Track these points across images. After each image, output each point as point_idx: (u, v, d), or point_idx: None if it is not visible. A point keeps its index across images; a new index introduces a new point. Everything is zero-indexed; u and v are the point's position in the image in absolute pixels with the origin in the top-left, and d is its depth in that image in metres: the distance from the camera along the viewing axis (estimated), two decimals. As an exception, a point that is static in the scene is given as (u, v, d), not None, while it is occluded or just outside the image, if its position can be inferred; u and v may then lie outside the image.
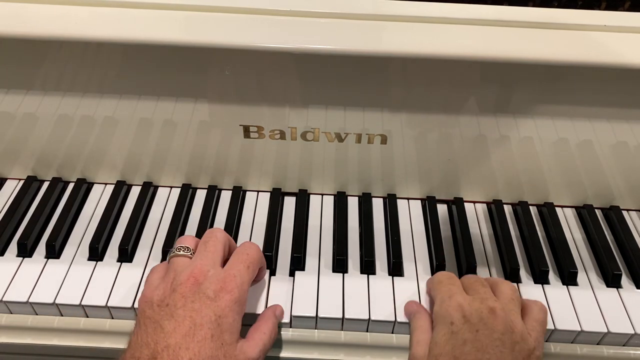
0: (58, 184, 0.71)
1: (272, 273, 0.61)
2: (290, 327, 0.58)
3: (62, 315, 0.58)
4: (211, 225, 0.67)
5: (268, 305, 0.57)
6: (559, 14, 0.61)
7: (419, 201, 0.71)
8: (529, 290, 0.61)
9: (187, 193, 0.70)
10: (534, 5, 0.66)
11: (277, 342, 0.58)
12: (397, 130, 0.64)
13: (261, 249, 0.62)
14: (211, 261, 0.52)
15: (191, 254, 0.54)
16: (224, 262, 0.54)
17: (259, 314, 0.57)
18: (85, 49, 0.58)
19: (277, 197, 0.70)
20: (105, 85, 0.62)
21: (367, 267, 0.62)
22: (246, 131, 0.65)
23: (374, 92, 0.61)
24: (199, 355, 0.46)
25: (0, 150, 0.69)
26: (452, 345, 0.48)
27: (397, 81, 0.59)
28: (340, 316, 0.57)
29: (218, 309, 0.49)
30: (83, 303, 0.57)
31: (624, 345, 0.58)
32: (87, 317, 0.58)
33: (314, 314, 0.57)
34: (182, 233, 0.66)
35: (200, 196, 0.71)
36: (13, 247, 0.63)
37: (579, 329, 0.57)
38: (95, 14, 0.58)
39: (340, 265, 0.62)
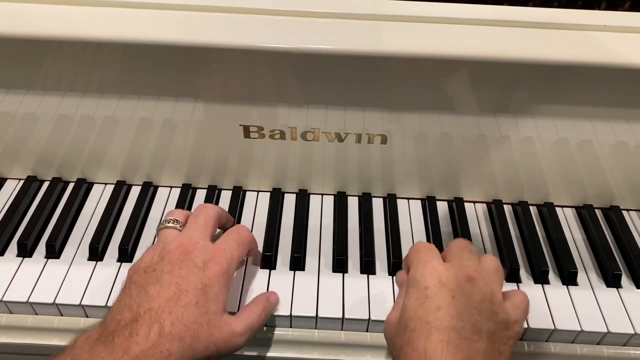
0: (58, 184, 0.71)
1: (272, 272, 0.61)
2: (290, 327, 0.58)
3: (62, 315, 0.58)
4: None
5: (268, 305, 0.58)
6: (559, 14, 0.61)
7: (419, 201, 0.71)
8: (529, 290, 0.60)
9: (187, 193, 0.70)
10: (534, 5, 0.66)
11: (277, 342, 0.58)
12: (397, 130, 0.64)
13: (261, 249, 0.62)
14: (201, 234, 0.53)
15: (180, 226, 0.54)
16: (215, 238, 0.54)
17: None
18: (85, 49, 0.58)
19: (277, 197, 0.70)
20: (105, 85, 0.62)
21: (367, 267, 0.62)
22: (246, 131, 0.65)
23: (374, 92, 0.61)
24: (181, 320, 0.46)
25: (0, 150, 0.69)
26: (424, 310, 0.45)
27: (397, 81, 0.59)
28: (340, 316, 0.57)
29: (205, 277, 0.49)
30: (83, 303, 0.57)
31: (624, 345, 0.58)
32: (87, 317, 0.58)
33: (314, 314, 0.57)
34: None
35: (201, 196, 0.71)
36: (13, 247, 0.63)
37: (579, 329, 0.57)
38: (95, 14, 0.58)
39: (340, 265, 0.62)
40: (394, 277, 0.57)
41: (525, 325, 0.57)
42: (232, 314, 0.52)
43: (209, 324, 0.47)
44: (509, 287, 0.61)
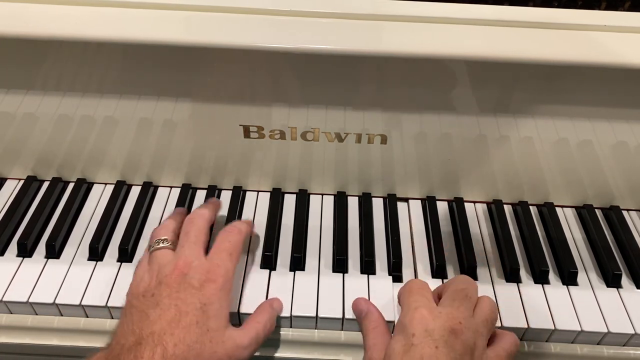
0: (58, 184, 0.71)
1: (272, 272, 0.61)
2: (291, 327, 0.58)
3: (62, 315, 0.58)
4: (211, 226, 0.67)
5: (268, 305, 0.58)
6: (559, 14, 0.61)
7: (419, 201, 0.71)
8: (529, 290, 0.61)
9: (187, 193, 0.70)
10: (534, 5, 0.66)
11: (277, 342, 0.58)
12: (397, 130, 0.64)
13: (261, 249, 0.62)
14: (195, 252, 0.53)
15: (170, 244, 0.55)
16: (207, 246, 0.55)
17: (259, 314, 0.57)
18: (85, 49, 0.58)
19: (277, 197, 0.70)
20: (105, 85, 0.62)
21: (367, 267, 0.62)
22: (246, 131, 0.65)
23: (374, 92, 0.61)
24: (183, 341, 0.46)
25: (0, 150, 0.69)
26: (409, 357, 0.47)
27: (397, 81, 0.59)
28: (340, 316, 0.57)
29: (203, 297, 0.49)
30: (83, 303, 0.57)
31: (624, 345, 0.58)
32: (87, 317, 0.58)
33: (314, 314, 0.57)
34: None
35: (201, 196, 0.71)
36: (13, 247, 0.63)
37: (579, 329, 0.57)
38: (95, 14, 0.58)
39: (340, 265, 0.62)
40: (352, 305, 0.58)
41: (525, 325, 0.57)
42: (236, 325, 0.52)
43: (211, 341, 0.48)
44: (510, 287, 0.61)
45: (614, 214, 0.70)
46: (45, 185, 0.71)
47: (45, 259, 0.62)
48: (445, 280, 0.62)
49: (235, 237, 0.56)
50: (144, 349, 0.45)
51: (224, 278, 0.52)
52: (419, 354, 0.47)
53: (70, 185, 0.71)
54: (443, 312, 0.50)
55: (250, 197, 0.71)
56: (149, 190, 0.70)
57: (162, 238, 0.56)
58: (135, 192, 0.71)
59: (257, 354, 0.57)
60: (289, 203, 0.70)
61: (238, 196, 0.70)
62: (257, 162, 0.68)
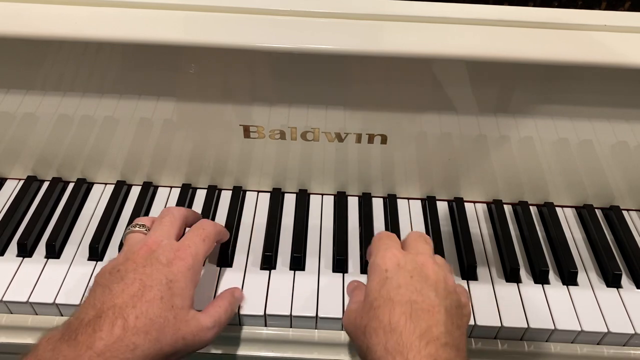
0: (58, 184, 0.71)
1: (272, 272, 0.61)
2: (290, 327, 0.58)
3: (62, 315, 0.58)
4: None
5: (268, 305, 0.57)
6: (559, 14, 0.61)
7: (419, 201, 0.71)
8: (529, 290, 0.61)
9: (187, 193, 0.70)
10: (534, 5, 0.66)
11: (278, 342, 0.58)
12: (397, 130, 0.64)
13: (262, 249, 0.62)
14: (166, 233, 0.53)
15: (146, 230, 0.55)
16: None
17: (258, 314, 0.57)
18: (85, 49, 0.58)
19: (277, 197, 0.70)
20: (105, 85, 0.62)
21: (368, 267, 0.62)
22: (246, 131, 0.65)
23: (374, 92, 0.61)
24: (145, 314, 0.46)
25: (0, 150, 0.69)
26: (386, 289, 0.48)
27: (397, 81, 0.59)
28: (340, 316, 0.57)
29: (170, 273, 0.49)
30: (83, 303, 0.57)
31: (624, 345, 0.58)
32: (87, 317, 0.58)
33: (314, 314, 0.57)
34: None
35: (200, 196, 0.71)
36: (13, 247, 0.63)
37: (579, 329, 0.57)
38: (95, 14, 0.58)
39: (340, 265, 0.62)
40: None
41: (525, 325, 0.57)
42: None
43: (175, 318, 0.47)
44: (510, 287, 0.61)
45: (614, 214, 0.70)
46: (45, 185, 0.71)
47: (45, 259, 0.62)
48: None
49: (210, 228, 0.55)
50: (103, 322, 0.44)
51: (193, 259, 0.51)
52: (396, 284, 0.48)
53: (70, 185, 0.71)
54: (412, 251, 0.52)
55: (250, 197, 0.71)
56: (149, 190, 0.70)
57: (141, 223, 0.55)
58: (135, 192, 0.71)
59: (257, 353, 0.58)
60: (289, 203, 0.70)
61: (238, 196, 0.70)
62: (257, 162, 0.68)
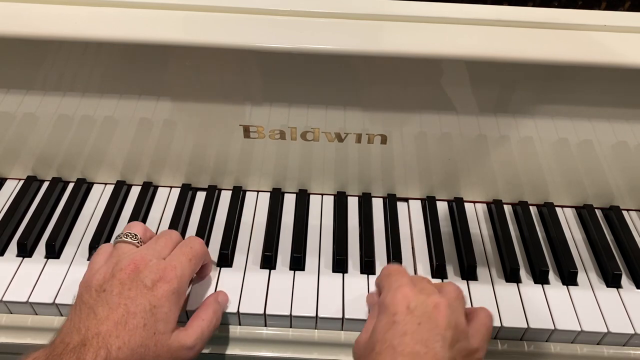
0: (58, 184, 0.71)
1: (272, 272, 0.61)
2: (290, 327, 0.58)
3: (61, 315, 0.58)
4: (211, 226, 0.67)
5: (268, 305, 0.57)
6: (559, 14, 0.61)
7: (419, 201, 0.71)
8: (529, 290, 0.61)
9: (187, 193, 0.70)
10: (534, 5, 0.66)
11: (277, 342, 0.58)
12: (397, 130, 0.64)
13: (262, 249, 0.62)
14: (157, 253, 0.52)
15: (138, 242, 0.54)
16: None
17: (258, 314, 0.57)
18: (85, 49, 0.58)
19: (277, 197, 0.70)
20: (105, 85, 0.62)
21: (367, 267, 0.62)
22: (246, 131, 0.65)
23: (374, 92, 0.61)
24: (128, 344, 0.46)
25: (0, 150, 0.69)
26: (392, 335, 0.47)
27: (397, 81, 0.59)
28: (340, 316, 0.57)
29: (154, 298, 0.49)
30: (83, 303, 0.57)
31: (624, 345, 0.58)
32: (87, 317, 0.58)
33: (314, 314, 0.57)
34: (182, 233, 0.66)
35: (200, 196, 0.71)
36: (13, 247, 0.63)
37: (579, 329, 0.57)
38: (95, 14, 0.58)
39: (340, 265, 0.62)
40: (365, 298, 0.58)
41: (525, 325, 0.57)
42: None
43: (156, 345, 0.48)
44: (509, 287, 0.61)
45: (614, 214, 0.70)
46: (45, 185, 0.71)
47: (45, 259, 0.62)
48: (445, 280, 0.62)
49: (198, 246, 0.55)
50: (87, 351, 0.45)
51: (178, 281, 0.50)
52: (402, 331, 0.47)
53: (70, 185, 0.71)
54: (423, 291, 0.50)
55: (250, 197, 0.71)
56: (149, 190, 0.70)
57: (133, 233, 0.55)
58: (135, 192, 0.71)
59: (257, 353, 0.58)
60: (289, 203, 0.70)
61: (238, 196, 0.70)
62: (257, 162, 0.68)
